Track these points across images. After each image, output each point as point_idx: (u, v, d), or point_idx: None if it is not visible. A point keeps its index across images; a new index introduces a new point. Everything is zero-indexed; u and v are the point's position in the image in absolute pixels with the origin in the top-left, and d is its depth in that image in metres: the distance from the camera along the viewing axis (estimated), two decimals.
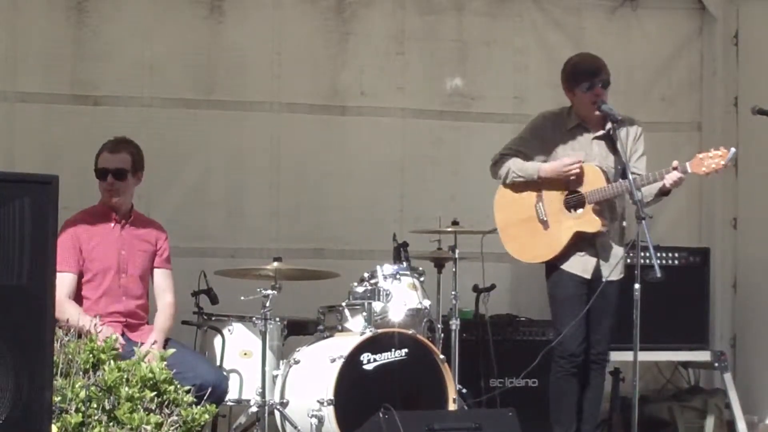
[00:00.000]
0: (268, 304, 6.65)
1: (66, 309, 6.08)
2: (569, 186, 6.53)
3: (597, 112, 6.50)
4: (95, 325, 5.87)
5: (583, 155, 6.55)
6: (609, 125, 6.52)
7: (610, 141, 6.55)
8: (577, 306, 6.49)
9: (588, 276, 6.53)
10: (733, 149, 6.36)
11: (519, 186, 6.59)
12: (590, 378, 6.62)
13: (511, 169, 6.55)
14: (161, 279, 6.53)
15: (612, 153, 6.56)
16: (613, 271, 6.51)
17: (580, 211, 6.51)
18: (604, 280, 6.48)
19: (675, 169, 6.31)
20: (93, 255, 6.34)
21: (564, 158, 6.50)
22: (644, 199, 6.13)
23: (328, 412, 6.34)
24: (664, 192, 6.46)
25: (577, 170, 6.45)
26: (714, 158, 6.33)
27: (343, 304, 6.88)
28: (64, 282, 6.21)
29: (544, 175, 6.51)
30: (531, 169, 6.53)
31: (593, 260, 6.53)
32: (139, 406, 5.33)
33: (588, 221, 6.51)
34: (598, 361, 6.59)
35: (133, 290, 6.42)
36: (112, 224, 6.40)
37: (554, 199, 6.57)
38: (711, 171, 6.36)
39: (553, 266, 6.57)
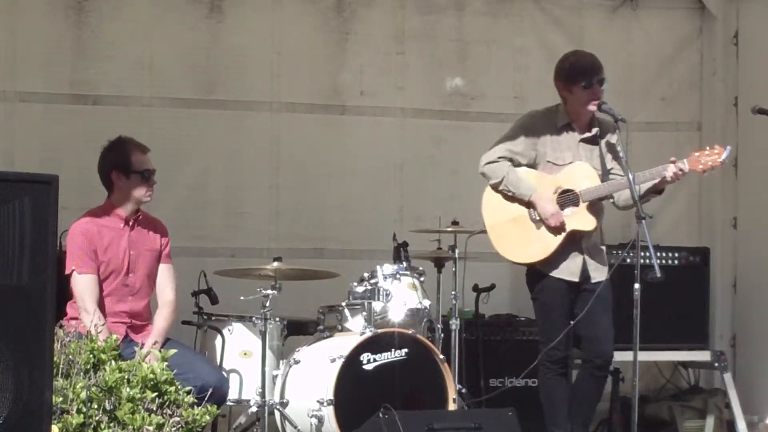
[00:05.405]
0: (268, 304, 6.65)
1: (91, 318, 6.05)
2: (561, 188, 6.53)
3: (598, 112, 6.51)
4: (95, 326, 5.87)
5: (571, 156, 6.55)
6: (596, 129, 6.55)
7: (596, 143, 6.57)
8: (565, 312, 6.47)
9: (576, 279, 6.50)
10: (729, 147, 6.39)
11: None
12: (586, 382, 6.59)
13: (506, 182, 6.49)
14: (163, 274, 6.51)
15: (598, 156, 6.56)
16: (600, 271, 6.51)
17: (574, 209, 6.50)
18: (593, 281, 6.48)
19: (673, 162, 6.32)
20: (105, 256, 6.33)
21: (556, 213, 6.45)
22: (634, 196, 6.13)
23: (328, 412, 6.34)
24: (657, 190, 6.46)
25: (556, 227, 6.44)
26: (710, 155, 6.36)
27: (343, 304, 6.88)
28: (90, 286, 6.23)
29: (534, 203, 6.49)
30: (525, 191, 6.47)
31: (580, 262, 6.51)
32: (140, 407, 5.33)
33: (583, 220, 6.49)
34: (599, 365, 6.49)
35: (140, 290, 6.40)
36: (122, 224, 6.39)
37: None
38: (708, 168, 6.39)
39: (539, 273, 6.53)
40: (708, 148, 6.41)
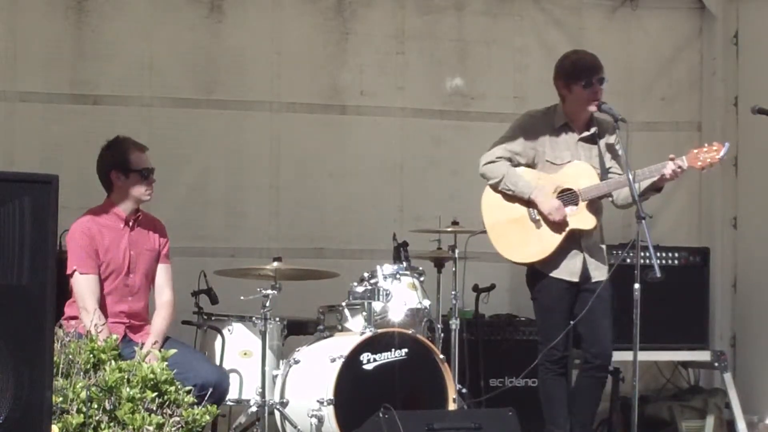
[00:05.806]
0: (268, 304, 6.65)
1: (91, 318, 6.05)
2: (560, 189, 6.52)
3: (597, 112, 6.51)
4: (95, 325, 5.87)
5: (569, 155, 6.55)
6: (594, 128, 6.55)
7: (594, 142, 6.57)
8: (565, 312, 6.47)
9: (576, 279, 6.50)
10: (727, 144, 6.39)
11: None
12: (586, 383, 6.59)
13: (505, 180, 6.50)
14: (161, 274, 6.51)
15: (597, 155, 6.56)
16: (600, 270, 6.51)
17: (573, 208, 6.50)
18: (593, 281, 6.48)
19: (672, 159, 6.31)
20: (106, 256, 6.32)
21: (558, 207, 6.44)
22: (634, 195, 6.12)
23: (328, 412, 6.34)
24: (656, 188, 6.46)
25: (559, 222, 6.43)
26: (709, 152, 6.36)
27: (343, 303, 6.88)
28: (91, 286, 6.22)
29: (534, 200, 6.48)
30: (524, 189, 6.46)
31: (580, 261, 6.51)
32: (140, 407, 5.33)
33: (583, 218, 6.49)
34: (598, 366, 6.49)
35: (139, 290, 6.39)
36: (122, 225, 6.39)
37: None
38: (706, 165, 6.39)
39: (539, 273, 6.53)
40: (706, 145, 6.42)
